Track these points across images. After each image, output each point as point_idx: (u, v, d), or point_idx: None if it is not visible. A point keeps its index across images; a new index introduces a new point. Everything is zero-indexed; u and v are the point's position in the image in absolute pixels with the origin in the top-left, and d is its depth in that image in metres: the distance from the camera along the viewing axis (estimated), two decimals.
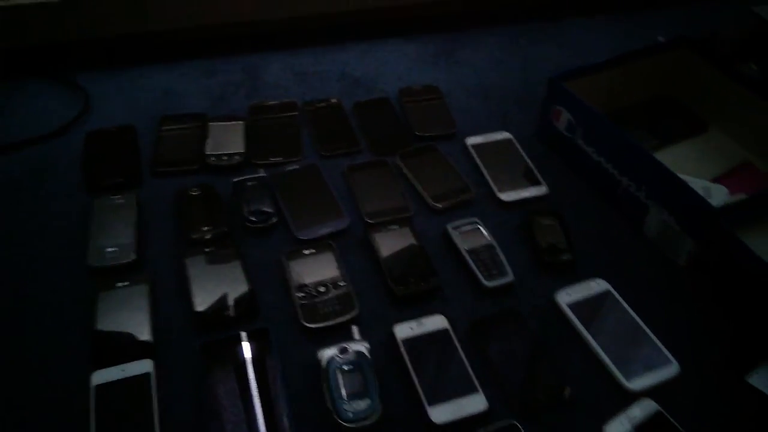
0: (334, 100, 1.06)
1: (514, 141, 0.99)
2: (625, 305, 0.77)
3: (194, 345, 0.70)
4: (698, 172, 0.92)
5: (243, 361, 0.69)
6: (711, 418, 0.68)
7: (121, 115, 1.01)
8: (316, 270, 0.79)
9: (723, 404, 0.70)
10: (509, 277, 0.79)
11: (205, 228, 0.82)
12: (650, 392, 0.69)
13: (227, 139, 0.96)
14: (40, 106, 1.02)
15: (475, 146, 0.98)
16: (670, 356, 0.72)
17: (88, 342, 0.69)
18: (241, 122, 0.99)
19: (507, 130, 1.01)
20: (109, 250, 0.79)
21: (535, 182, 0.93)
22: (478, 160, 0.96)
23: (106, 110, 1.02)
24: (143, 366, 0.67)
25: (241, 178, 0.89)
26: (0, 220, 0.84)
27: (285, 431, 0.63)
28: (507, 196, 0.91)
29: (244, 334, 0.71)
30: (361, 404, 0.64)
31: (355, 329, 0.73)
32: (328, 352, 0.68)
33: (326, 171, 0.93)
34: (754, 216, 0.78)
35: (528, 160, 0.97)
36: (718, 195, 0.87)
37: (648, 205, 0.85)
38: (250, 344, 0.70)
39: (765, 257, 0.71)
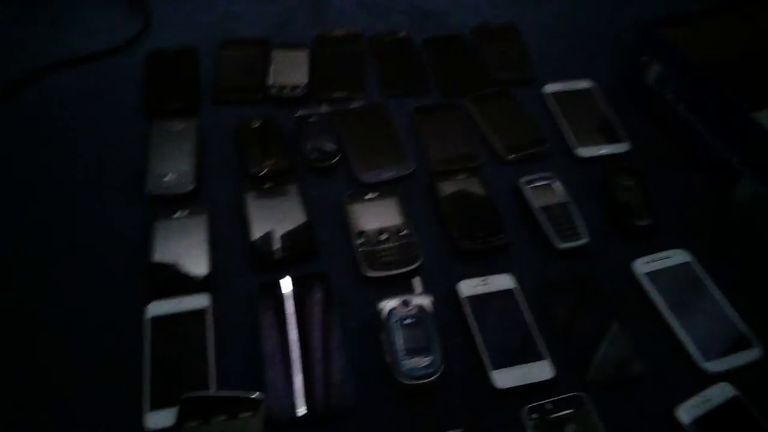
0: (402, 34, 1.00)
1: (597, 91, 0.92)
2: (707, 280, 0.72)
3: (252, 284, 0.68)
4: None
5: (300, 304, 0.66)
6: None
7: (181, 34, 0.97)
8: (378, 216, 0.75)
9: None
10: (584, 239, 0.74)
11: (266, 162, 0.79)
12: (728, 376, 0.64)
13: (290, 69, 0.91)
14: (99, 21, 0.98)
15: (554, 94, 0.91)
16: (753, 338, 0.67)
17: (145, 272, 0.68)
18: (305, 52, 0.94)
19: (590, 79, 0.94)
20: (168, 177, 0.76)
21: (617, 138, 0.87)
22: (555, 110, 0.90)
23: (166, 29, 0.98)
24: (200, 300, 0.65)
25: (303, 112, 0.85)
26: (57, 141, 0.82)
27: (332, 384, 0.61)
28: (585, 152, 0.85)
29: (302, 277, 0.68)
30: (422, 361, 0.61)
31: (417, 281, 0.69)
32: (389, 304, 0.65)
33: (392, 111, 0.88)
34: None
35: (610, 114, 0.90)
36: None
37: (741, 173, 0.78)
38: (309, 287, 0.67)
39: None
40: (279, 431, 0.58)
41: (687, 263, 0.73)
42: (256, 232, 0.72)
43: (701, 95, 0.82)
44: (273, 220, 0.73)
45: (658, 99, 0.87)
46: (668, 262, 0.73)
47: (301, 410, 0.59)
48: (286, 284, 0.68)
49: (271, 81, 0.89)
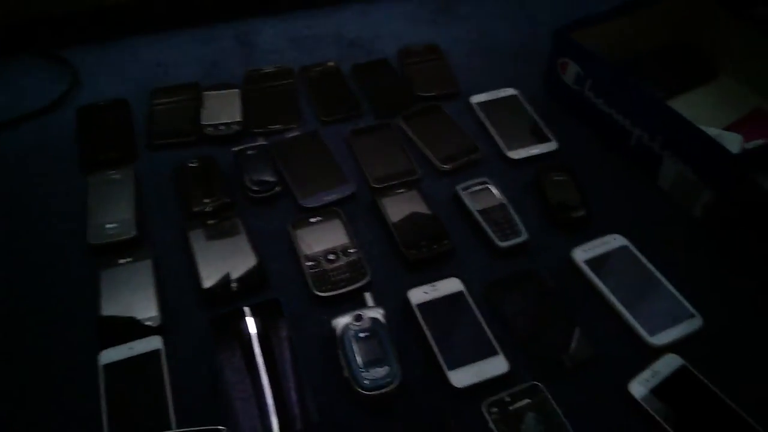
0: (331, 64, 1.02)
1: (520, 97, 0.96)
2: (644, 260, 0.75)
3: (203, 320, 0.68)
4: (710, 120, 0.89)
5: (252, 334, 0.66)
6: (737, 369, 0.66)
7: (112, 89, 0.97)
8: (324, 238, 0.76)
9: (751, 356, 0.68)
10: (523, 237, 0.77)
11: (207, 200, 0.79)
12: (674, 347, 0.67)
13: (223, 108, 0.93)
14: (29, 83, 0.98)
15: (480, 104, 0.95)
16: (692, 309, 0.70)
17: (94, 322, 0.67)
18: (236, 90, 0.96)
19: (512, 87, 0.98)
20: (109, 226, 0.76)
21: (544, 138, 0.91)
22: (483, 119, 0.93)
23: (97, 85, 0.99)
24: (152, 343, 0.65)
25: (240, 147, 0.86)
26: None
27: (294, 404, 0.61)
28: (516, 154, 0.88)
29: (253, 307, 0.69)
30: (380, 371, 0.62)
31: (368, 296, 0.71)
32: (342, 321, 0.66)
33: (328, 137, 0.90)
34: None
35: (535, 116, 0.94)
36: (732, 143, 0.84)
37: (662, 156, 0.82)
38: (261, 316, 0.68)
39: None
40: None
41: (623, 246, 0.76)
42: (204, 270, 0.72)
43: (616, 89, 0.86)
44: (220, 255, 0.74)
45: (578, 97, 0.92)
46: (605, 248, 0.76)
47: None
48: (239, 315, 0.68)
49: (204, 121, 0.90)
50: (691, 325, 0.69)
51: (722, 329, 0.69)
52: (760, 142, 0.82)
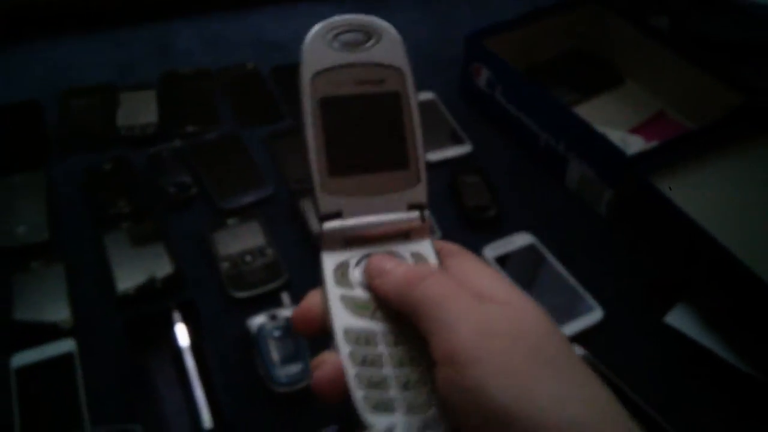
0: (250, 66, 1.03)
1: (437, 101, 0.99)
2: (550, 256, 0.79)
3: (118, 322, 0.67)
4: (616, 124, 0.95)
5: (168, 334, 0.67)
6: (634, 359, 0.71)
7: (22, 91, 0.94)
8: (241, 239, 0.77)
9: (645, 345, 0.73)
10: (436, 236, 0.79)
11: (122, 203, 0.79)
12: (577, 338, 0.71)
13: (139, 110, 0.92)
14: None
15: None
16: (594, 303, 0.74)
17: (7, 326, 0.66)
18: (152, 91, 0.95)
19: (431, 91, 1.01)
20: (20, 229, 0.75)
21: (459, 141, 0.94)
22: None
23: (7, 87, 0.96)
24: (65, 346, 0.65)
25: (156, 148, 0.85)
26: None
27: (209, 403, 0.62)
28: (432, 156, 0.91)
29: (169, 308, 0.69)
30: (294, 368, 0.63)
31: (285, 296, 0.72)
32: (257, 320, 0.67)
33: (246, 139, 0.90)
34: (666, 161, 0.80)
35: (451, 119, 0.97)
36: (634, 145, 0.90)
37: (568, 158, 0.87)
38: (176, 318, 0.68)
39: (677, 200, 0.74)
40: None
41: (531, 245, 0.80)
42: (119, 273, 0.72)
43: (523, 94, 0.91)
44: (135, 258, 0.73)
45: (491, 101, 0.95)
46: (513, 245, 0.79)
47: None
48: (154, 316, 0.68)
49: (119, 123, 0.89)
50: (593, 318, 0.73)
51: (621, 321, 0.74)
52: (656, 143, 0.87)
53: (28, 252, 0.73)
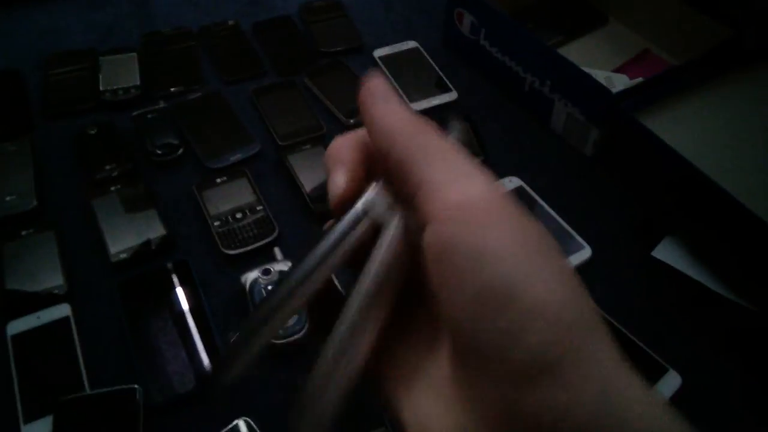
0: (231, 23, 1.01)
1: (421, 49, 0.98)
2: (538, 198, 0.79)
3: (112, 286, 0.68)
4: (601, 63, 0.94)
5: (164, 295, 0.67)
6: (623, 293, 0.72)
7: (2, 60, 0.93)
8: (231, 197, 0.77)
9: (633, 280, 0.74)
10: None
11: (109, 167, 0.79)
12: None
13: (121, 73, 0.91)
14: None
15: (383, 58, 0.97)
16: (582, 241, 0.75)
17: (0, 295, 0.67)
18: (134, 54, 0.94)
19: (414, 39, 1.00)
20: (8, 198, 0.75)
21: (445, 89, 0.93)
22: (386, 72, 0.95)
23: None
24: (60, 311, 0.65)
25: (140, 111, 0.85)
26: None
27: (209, 358, 0.63)
28: (418, 105, 0.91)
29: (163, 268, 0.69)
30: (289, 320, 0.64)
31: (277, 250, 0.72)
32: (251, 275, 0.68)
33: (231, 97, 0.90)
34: (652, 98, 0.80)
35: (436, 67, 0.96)
36: (619, 83, 0.90)
37: (553, 100, 0.86)
38: (169, 277, 0.69)
39: (663, 135, 0.74)
40: (164, 411, 0.60)
41: (519, 187, 0.81)
42: (110, 236, 0.72)
43: (507, 37, 0.90)
44: (125, 221, 0.74)
45: (475, 47, 0.94)
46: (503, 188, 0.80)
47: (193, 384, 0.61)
48: (146, 278, 0.69)
49: (102, 87, 0.88)
50: (581, 255, 0.74)
51: (610, 258, 0.75)
52: (641, 80, 0.87)
53: (18, 221, 0.73)
